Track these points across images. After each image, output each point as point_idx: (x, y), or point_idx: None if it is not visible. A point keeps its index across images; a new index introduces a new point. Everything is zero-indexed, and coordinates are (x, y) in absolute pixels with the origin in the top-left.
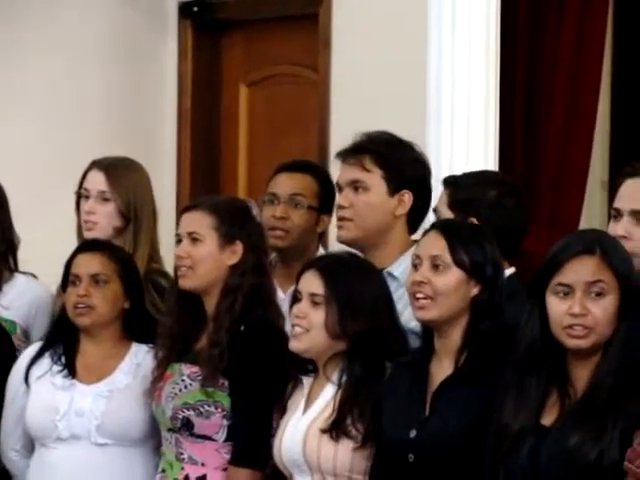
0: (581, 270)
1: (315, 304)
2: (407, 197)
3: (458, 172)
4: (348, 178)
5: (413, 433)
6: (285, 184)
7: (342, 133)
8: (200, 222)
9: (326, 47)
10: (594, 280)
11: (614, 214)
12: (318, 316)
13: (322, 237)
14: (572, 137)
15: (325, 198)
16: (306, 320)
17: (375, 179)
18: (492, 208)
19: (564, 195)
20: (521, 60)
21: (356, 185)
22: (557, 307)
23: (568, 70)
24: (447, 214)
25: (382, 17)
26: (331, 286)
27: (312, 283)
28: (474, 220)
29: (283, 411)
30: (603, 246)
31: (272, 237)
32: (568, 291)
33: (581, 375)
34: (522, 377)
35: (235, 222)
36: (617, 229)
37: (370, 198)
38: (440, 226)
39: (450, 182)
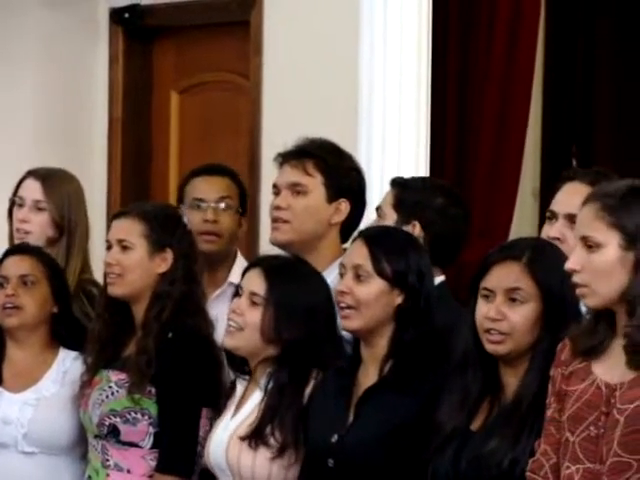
0: (503, 275)
1: (254, 303)
2: (344, 206)
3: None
4: (289, 180)
5: (335, 438)
6: (210, 188)
7: (273, 139)
8: (130, 229)
9: (257, 53)
10: (513, 287)
11: (549, 216)
12: (254, 316)
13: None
14: (503, 145)
15: (243, 199)
16: (242, 318)
17: (316, 184)
18: (437, 214)
19: (495, 203)
20: (452, 68)
21: (296, 188)
22: (480, 310)
23: (499, 79)
24: (390, 214)
25: (313, 24)
26: (272, 289)
27: (255, 282)
28: (416, 223)
29: (220, 414)
30: (533, 254)
31: (203, 242)
32: (490, 295)
33: (511, 382)
34: (459, 381)
35: (166, 230)
36: (551, 231)
37: (309, 202)
38: (364, 235)
39: (399, 183)
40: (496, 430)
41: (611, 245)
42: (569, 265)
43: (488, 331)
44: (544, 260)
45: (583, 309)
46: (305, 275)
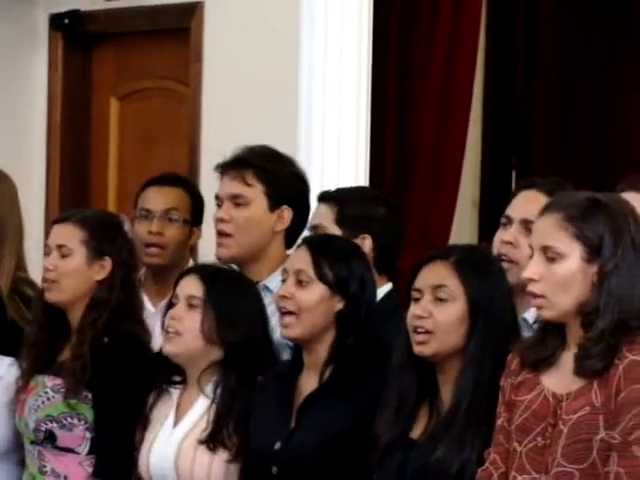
0: (430, 274)
1: (192, 307)
2: (287, 213)
3: (329, 187)
4: (229, 192)
5: (277, 445)
6: (158, 199)
7: (213, 147)
8: (70, 236)
9: (197, 60)
10: (439, 284)
11: (504, 222)
12: (194, 320)
13: (192, 250)
14: (443, 155)
15: (196, 210)
16: (181, 323)
17: (256, 194)
18: (381, 225)
19: (434, 212)
20: (392, 78)
21: (237, 200)
22: (409, 312)
23: (439, 90)
24: (334, 230)
25: (254, 31)
26: (210, 291)
27: (191, 286)
28: (366, 236)
29: (145, 423)
30: (461, 255)
31: (148, 254)
32: (419, 296)
33: (447, 389)
34: (395, 387)
35: (105, 237)
36: (505, 235)
37: (251, 213)
38: (308, 241)
39: (334, 198)
40: (439, 438)
41: (573, 256)
42: (527, 274)
43: (415, 330)
44: (472, 262)
45: (527, 318)
46: (240, 281)
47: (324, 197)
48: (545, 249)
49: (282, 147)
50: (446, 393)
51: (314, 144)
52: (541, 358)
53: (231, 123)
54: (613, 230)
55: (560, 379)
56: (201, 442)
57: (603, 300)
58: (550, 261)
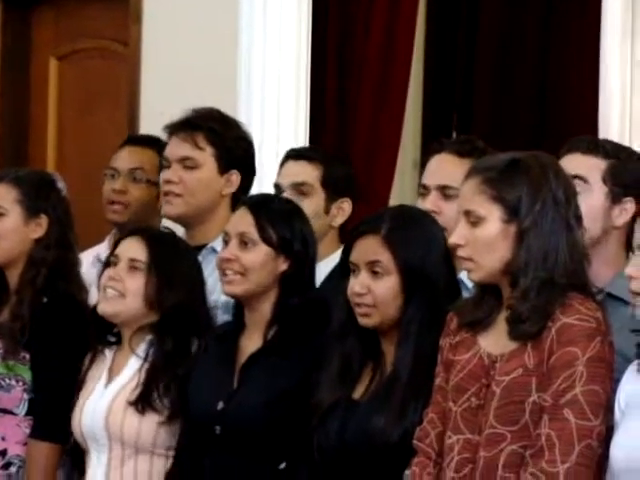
0: (363, 249)
1: (134, 269)
2: (235, 177)
3: (269, 148)
4: (179, 154)
5: (220, 405)
6: (125, 158)
7: (152, 108)
8: (4, 195)
9: (136, 21)
10: (373, 260)
11: (422, 191)
12: (136, 282)
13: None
14: (382, 116)
15: None
16: (122, 284)
17: (207, 157)
18: (354, 188)
19: (375, 172)
20: (332, 38)
21: (187, 162)
22: (349, 285)
23: (379, 49)
24: (319, 190)
25: None
26: (154, 254)
27: (134, 248)
28: (347, 200)
29: (81, 383)
30: (392, 226)
31: (110, 211)
32: (355, 269)
33: (389, 350)
34: (339, 349)
35: (40, 195)
36: (426, 205)
37: (201, 176)
38: (249, 203)
39: (319, 157)
40: (380, 404)
41: (493, 218)
42: (452, 240)
43: (357, 305)
44: (403, 230)
45: (463, 279)
46: (180, 245)
47: (304, 155)
48: (467, 213)
49: (222, 108)
50: (389, 356)
51: (254, 105)
52: (477, 319)
53: (171, 84)
54: (530, 188)
55: (496, 340)
56: (130, 403)
57: (523, 258)
58: (473, 225)
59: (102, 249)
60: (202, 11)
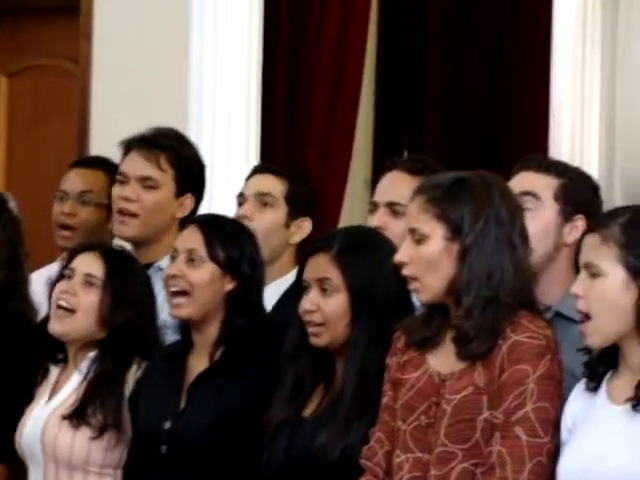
0: (314, 267)
1: (89, 285)
2: (189, 201)
3: (220, 168)
4: (140, 173)
5: (167, 425)
6: (74, 180)
7: (103, 126)
8: None
9: (87, 38)
10: (322, 277)
11: (371, 208)
12: (89, 298)
13: (112, 234)
14: (334, 135)
15: None
16: (75, 299)
17: (167, 179)
18: (316, 208)
19: (325, 192)
20: (283, 53)
21: (147, 182)
22: (301, 303)
23: (330, 68)
24: (281, 204)
25: (144, 8)
26: (109, 271)
27: (91, 264)
28: (307, 220)
29: (29, 401)
30: (343, 245)
31: (59, 237)
32: (307, 287)
33: (341, 369)
34: (292, 368)
35: None
36: (373, 221)
37: (159, 197)
38: (198, 221)
39: (284, 173)
40: (326, 420)
41: (436, 236)
42: (397, 258)
43: (308, 323)
44: (354, 249)
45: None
46: (134, 263)
47: (271, 169)
48: (412, 231)
49: (173, 126)
50: (340, 375)
51: (204, 125)
52: (426, 337)
53: (122, 102)
54: (473, 207)
55: (445, 359)
56: (64, 417)
57: (465, 276)
58: (417, 243)
59: (54, 269)
60: (153, 29)
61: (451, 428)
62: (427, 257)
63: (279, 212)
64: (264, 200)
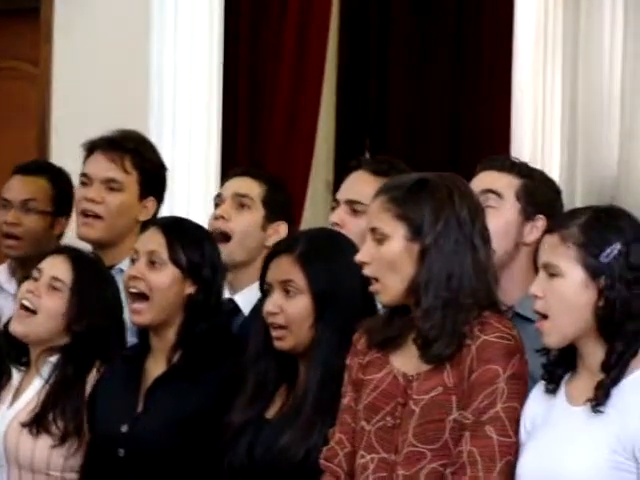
0: (277, 269)
1: (55, 289)
2: (151, 204)
3: (180, 171)
4: (105, 175)
5: (125, 428)
6: (17, 189)
7: (62, 129)
8: None
9: (47, 41)
10: (285, 279)
11: (333, 205)
12: (53, 302)
13: (59, 240)
14: (294, 138)
15: (61, 200)
16: (38, 300)
17: (131, 181)
18: (290, 212)
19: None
20: (244, 60)
21: (112, 184)
22: (264, 306)
23: (290, 70)
24: (259, 207)
25: (105, 11)
26: (77, 277)
27: (58, 268)
28: (283, 224)
29: None
30: (306, 246)
31: (5, 246)
32: (270, 289)
33: (303, 371)
34: (254, 371)
35: None
36: (332, 217)
37: (123, 199)
38: (160, 223)
39: (264, 176)
40: (289, 422)
41: (397, 236)
42: (358, 257)
43: (271, 325)
44: (317, 251)
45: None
46: (102, 268)
47: (249, 172)
48: (373, 230)
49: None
50: (304, 377)
51: (165, 129)
52: (388, 338)
53: (81, 105)
54: (434, 207)
55: (409, 359)
56: (24, 425)
57: (425, 277)
58: (378, 242)
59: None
60: (113, 32)
61: (420, 428)
62: (388, 257)
63: (256, 214)
64: (241, 201)
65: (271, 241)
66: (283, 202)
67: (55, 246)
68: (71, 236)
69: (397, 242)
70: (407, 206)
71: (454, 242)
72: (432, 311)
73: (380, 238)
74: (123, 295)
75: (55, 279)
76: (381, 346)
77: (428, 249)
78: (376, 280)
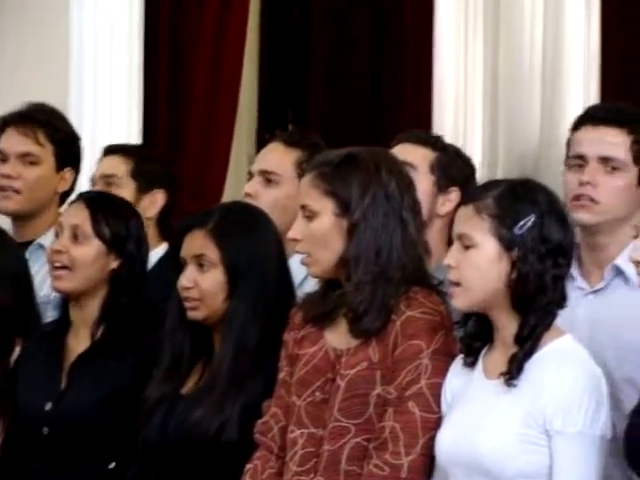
0: (191, 243)
1: None
2: (69, 175)
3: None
4: (20, 150)
5: (49, 406)
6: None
7: None
8: None
9: None
10: (198, 253)
11: (248, 177)
12: None
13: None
14: (215, 111)
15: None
16: None
17: (46, 154)
18: (174, 181)
19: (208, 169)
20: (164, 33)
21: (27, 158)
22: (179, 279)
23: (211, 44)
24: (128, 182)
25: None
26: None
27: None
28: (160, 192)
29: None
30: (219, 220)
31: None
32: (184, 263)
33: (219, 347)
34: (170, 346)
35: None
36: (246, 188)
37: (40, 173)
38: (85, 197)
39: (129, 151)
40: (202, 396)
41: (326, 213)
42: (290, 235)
43: (186, 299)
44: (230, 225)
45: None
46: (7, 242)
47: (116, 149)
48: (303, 207)
49: (53, 101)
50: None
51: (85, 105)
52: (322, 313)
53: (3, 75)
54: (361, 182)
55: (341, 334)
56: None
57: (353, 252)
58: (308, 219)
59: None
60: (34, 7)
61: (344, 403)
62: (318, 233)
63: (127, 191)
64: (109, 181)
65: (151, 212)
66: (154, 171)
67: None
68: None
69: (326, 218)
70: (335, 182)
71: (382, 216)
72: (362, 286)
73: (310, 215)
74: (42, 271)
75: None
76: (316, 321)
77: (357, 224)
78: (308, 255)
